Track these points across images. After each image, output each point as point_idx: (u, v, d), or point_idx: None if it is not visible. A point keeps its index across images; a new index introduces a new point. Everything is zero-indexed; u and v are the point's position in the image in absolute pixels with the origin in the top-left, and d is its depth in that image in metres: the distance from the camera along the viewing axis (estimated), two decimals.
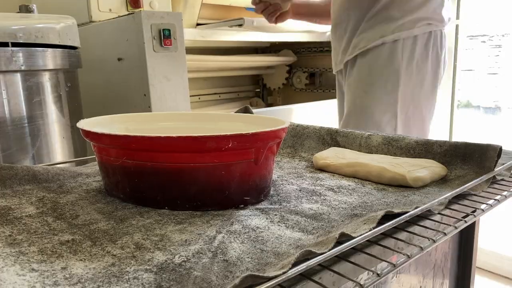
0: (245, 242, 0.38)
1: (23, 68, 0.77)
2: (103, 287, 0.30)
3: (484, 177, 0.52)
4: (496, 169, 0.55)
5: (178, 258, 0.35)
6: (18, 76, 0.77)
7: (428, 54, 1.00)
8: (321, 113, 1.65)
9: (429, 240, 0.38)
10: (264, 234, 0.40)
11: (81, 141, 0.95)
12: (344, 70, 1.09)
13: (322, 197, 0.50)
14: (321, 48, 2.05)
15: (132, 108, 1.18)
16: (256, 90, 2.32)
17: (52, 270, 0.33)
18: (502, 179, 0.57)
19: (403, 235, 0.41)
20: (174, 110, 1.17)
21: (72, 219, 0.44)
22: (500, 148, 0.55)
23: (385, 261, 0.35)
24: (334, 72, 1.16)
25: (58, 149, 0.87)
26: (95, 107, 1.33)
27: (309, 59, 2.17)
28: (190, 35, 1.43)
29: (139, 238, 0.39)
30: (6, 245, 0.37)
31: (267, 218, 0.43)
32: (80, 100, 0.98)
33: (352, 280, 0.32)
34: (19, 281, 0.31)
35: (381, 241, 0.39)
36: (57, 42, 0.83)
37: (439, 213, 0.45)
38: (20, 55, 0.76)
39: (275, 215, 0.44)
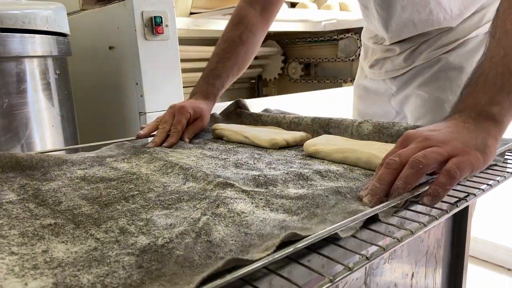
0: (229, 225, 0.37)
1: (10, 54, 0.75)
2: (83, 271, 0.30)
3: None
4: None
5: (161, 240, 0.34)
6: (5, 62, 0.76)
7: None
8: (316, 103, 1.64)
9: (420, 224, 0.38)
10: (248, 218, 0.39)
11: (71, 130, 0.94)
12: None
13: (308, 182, 0.49)
14: (321, 38, 2.04)
15: (125, 97, 1.17)
16: (251, 81, 2.31)
17: (33, 253, 0.32)
18: (495, 165, 0.56)
19: (394, 220, 0.40)
20: (168, 99, 1.16)
21: (55, 205, 0.43)
22: None
23: (375, 244, 0.34)
24: (385, 78, 0.92)
25: (48, 138, 0.86)
26: (86, 96, 1.31)
27: (304, 50, 2.15)
28: (184, 24, 1.41)
29: (124, 223, 0.38)
30: None
31: (252, 203, 0.43)
32: (70, 88, 0.97)
33: (341, 264, 0.31)
34: None
35: (371, 226, 0.38)
36: (45, 28, 0.81)
37: None
38: (7, 40, 0.74)
39: (261, 199, 0.44)
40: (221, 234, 0.35)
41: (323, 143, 0.62)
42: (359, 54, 1.86)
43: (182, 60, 1.22)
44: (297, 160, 0.60)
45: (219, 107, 0.93)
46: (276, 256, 0.28)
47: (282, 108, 0.94)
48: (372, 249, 0.35)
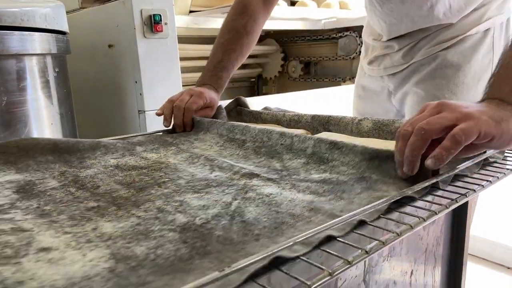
0: (260, 205, 0.41)
1: (9, 51, 0.75)
2: (133, 243, 0.33)
3: (476, 159, 0.52)
4: (487, 152, 0.54)
5: (199, 220, 0.37)
6: (4, 60, 0.76)
7: (502, 44, 0.84)
8: (315, 101, 1.64)
9: (419, 218, 0.38)
10: (277, 198, 0.42)
11: (70, 128, 0.94)
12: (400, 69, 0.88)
13: (330, 164, 0.52)
14: (320, 36, 2.03)
15: (124, 95, 1.16)
16: (251, 80, 2.31)
17: (84, 231, 0.35)
18: (495, 161, 0.56)
19: (394, 215, 0.40)
20: (167, 97, 1.15)
21: (94, 189, 0.47)
22: None
23: (374, 239, 0.34)
24: (384, 74, 0.92)
25: (47, 136, 0.86)
26: (85, 95, 1.31)
27: (304, 48, 2.15)
28: (183, 23, 1.41)
29: (160, 204, 0.42)
30: (37, 216, 0.39)
31: (279, 187, 0.46)
32: (70, 86, 0.97)
33: (341, 258, 0.31)
34: (55, 241, 0.33)
35: (371, 221, 0.38)
36: (44, 26, 0.81)
37: (430, 194, 0.45)
38: (6, 38, 0.74)
39: (286, 184, 0.47)
40: (253, 214, 0.38)
41: None
42: (359, 52, 1.86)
43: (181, 59, 1.22)
44: None
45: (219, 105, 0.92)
46: (281, 248, 0.28)
47: (282, 106, 0.94)
48: (371, 244, 0.35)
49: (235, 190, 0.45)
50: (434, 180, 0.44)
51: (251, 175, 0.50)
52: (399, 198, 0.40)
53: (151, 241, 0.33)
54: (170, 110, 0.75)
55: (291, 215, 0.38)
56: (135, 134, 0.76)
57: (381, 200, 0.38)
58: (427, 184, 0.43)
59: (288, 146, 0.58)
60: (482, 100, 0.49)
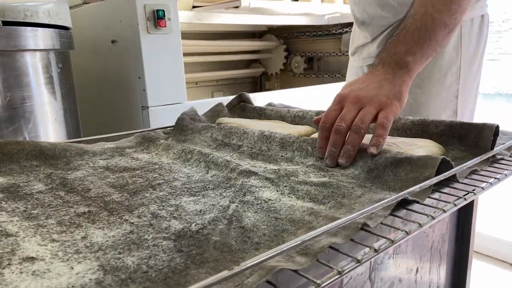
0: (258, 212, 0.39)
1: (12, 47, 0.75)
2: (125, 254, 0.31)
3: (483, 156, 0.51)
4: (495, 149, 0.54)
5: (195, 226, 0.35)
6: (7, 56, 0.75)
7: (481, 39, 0.86)
8: (319, 97, 1.64)
9: (428, 216, 0.37)
10: (276, 204, 0.40)
11: (74, 124, 0.94)
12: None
13: (329, 172, 0.50)
14: (320, 32, 2.02)
15: (127, 91, 1.16)
16: (254, 76, 2.30)
17: (73, 240, 0.33)
18: (502, 158, 0.56)
19: (401, 212, 0.40)
20: (170, 93, 1.15)
21: (84, 192, 0.44)
22: (497, 127, 0.53)
23: (383, 237, 0.34)
24: (363, 65, 0.96)
25: (51, 132, 0.86)
26: (89, 90, 1.31)
27: (307, 44, 2.14)
28: (186, 18, 1.40)
29: (154, 209, 0.40)
30: (24, 219, 0.37)
31: (277, 190, 0.44)
32: (73, 82, 0.97)
33: (350, 256, 0.31)
34: (41, 250, 0.31)
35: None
36: (47, 22, 0.81)
37: (437, 191, 0.44)
38: (9, 34, 0.74)
39: (285, 186, 0.45)
40: (252, 220, 0.37)
41: None
42: None
43: (185, 54, 1.21)
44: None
45: (222, 101, 0.92)
46: (287, 247, 0.28)
47: (285, 102, 0.93)
48: (380, 242, 0.34)
49: (233, 192, 0.43)
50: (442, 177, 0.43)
51: (249, 173, 0.48)
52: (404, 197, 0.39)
53: (144, 251, 0.31)
54: None
55: (291, 221, 0.36)
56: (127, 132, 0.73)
57: (387, 200, 0.36)
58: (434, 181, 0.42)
59: (288, 159, 0.56)
60: (380, 62, 0.59)
